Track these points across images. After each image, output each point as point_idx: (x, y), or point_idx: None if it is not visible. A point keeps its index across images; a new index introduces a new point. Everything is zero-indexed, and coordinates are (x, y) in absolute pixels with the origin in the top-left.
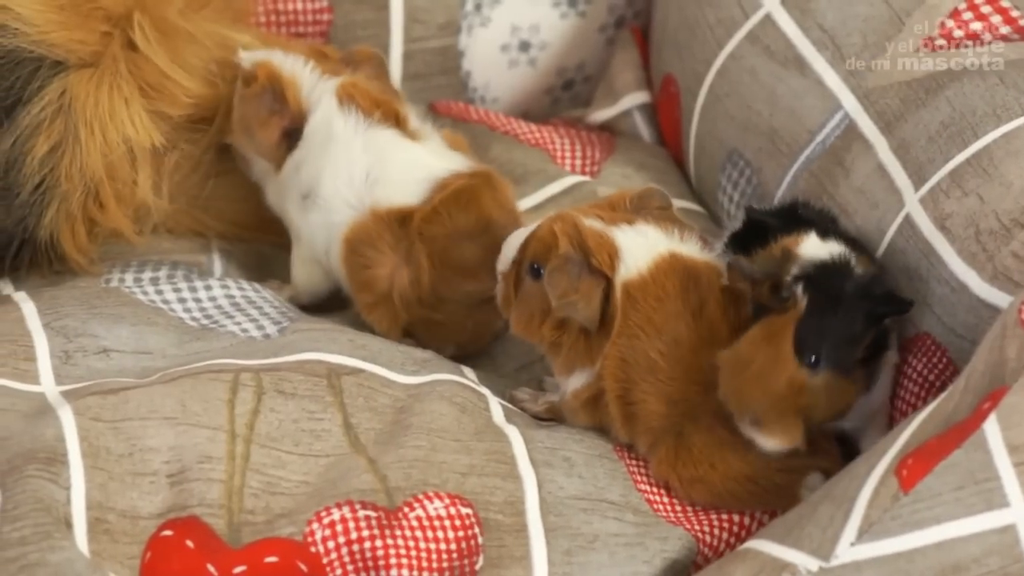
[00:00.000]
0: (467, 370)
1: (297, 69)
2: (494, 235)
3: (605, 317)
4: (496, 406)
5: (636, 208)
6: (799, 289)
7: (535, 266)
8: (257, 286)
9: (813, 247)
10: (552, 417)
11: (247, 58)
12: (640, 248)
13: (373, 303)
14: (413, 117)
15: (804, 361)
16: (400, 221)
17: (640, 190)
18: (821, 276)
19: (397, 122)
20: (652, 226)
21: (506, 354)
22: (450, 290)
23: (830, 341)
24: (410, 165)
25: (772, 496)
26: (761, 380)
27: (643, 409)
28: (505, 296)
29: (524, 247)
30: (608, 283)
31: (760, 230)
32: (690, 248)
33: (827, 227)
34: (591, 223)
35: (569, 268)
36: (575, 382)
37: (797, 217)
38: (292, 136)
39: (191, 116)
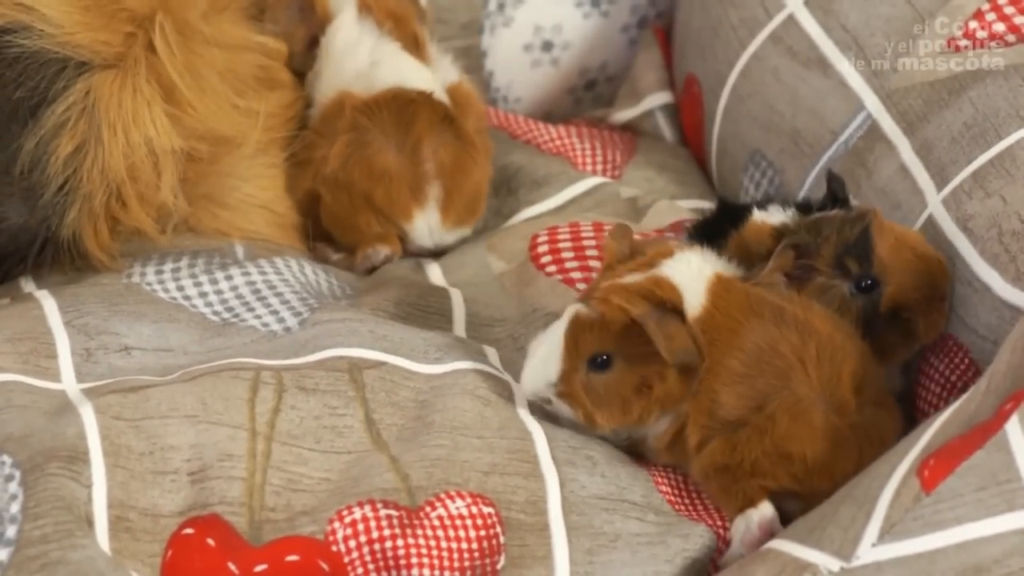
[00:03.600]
0: (490, 352)
1: None
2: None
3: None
4: (520, 395)
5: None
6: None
7: (600, 358)
8: (280, 266)
9: (772, 216)
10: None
11: None
12: (689, 277)
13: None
14: (436, 50)
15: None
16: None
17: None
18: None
19: (413, 41)
20: (693, 253)
21: (531, 335)
22: None
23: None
24: (392, 72)
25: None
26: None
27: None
28: (579, 403)
29: (572, 348)
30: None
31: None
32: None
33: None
34: (631, 279)
35: (659, 321)
36: (661, 425)
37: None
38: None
39: (200, 131)
